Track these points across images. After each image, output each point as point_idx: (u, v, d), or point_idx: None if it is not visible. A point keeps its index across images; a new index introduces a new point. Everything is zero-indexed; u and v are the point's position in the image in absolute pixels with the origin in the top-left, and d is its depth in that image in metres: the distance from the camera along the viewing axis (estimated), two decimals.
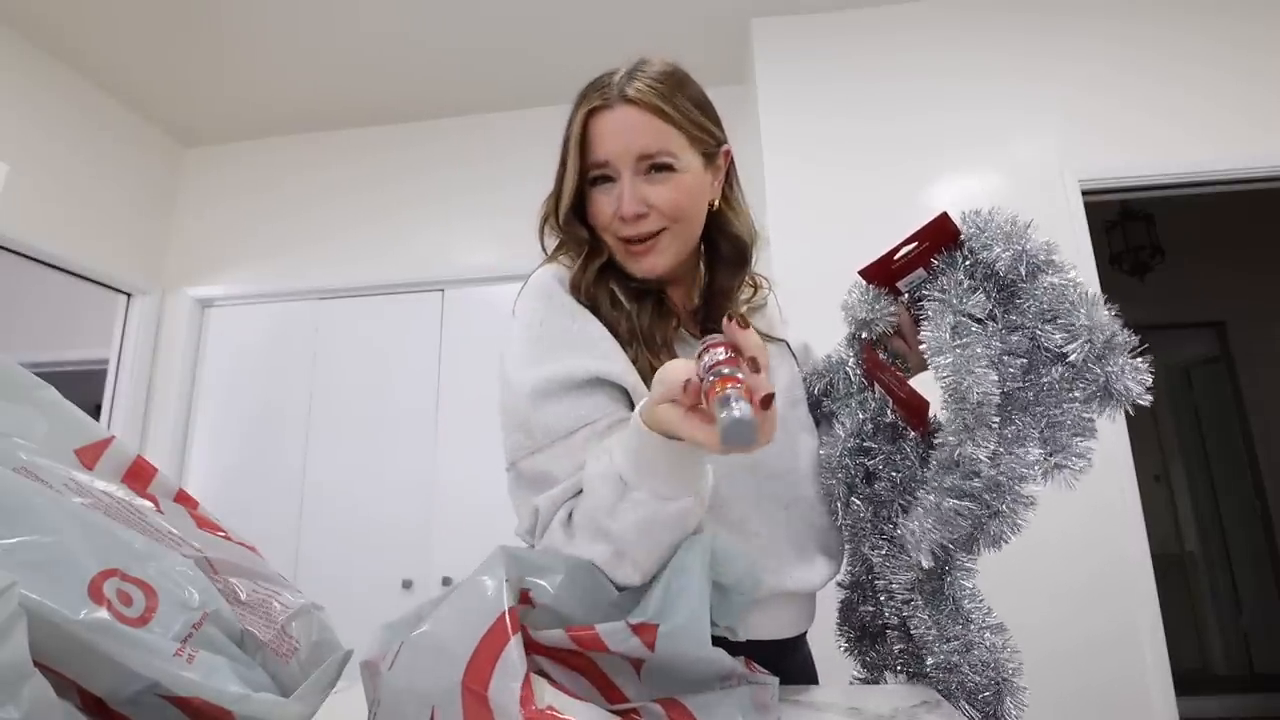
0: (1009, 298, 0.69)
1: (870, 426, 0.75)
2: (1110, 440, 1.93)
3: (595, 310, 0.70)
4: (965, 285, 0.69)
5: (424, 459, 2.53)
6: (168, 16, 2.30)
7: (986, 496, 0.64)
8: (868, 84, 2.28)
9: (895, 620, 0.72)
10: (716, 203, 0.77)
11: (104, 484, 0.41)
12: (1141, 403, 0.64)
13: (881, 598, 0.73)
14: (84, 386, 2.93)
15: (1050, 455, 0.66)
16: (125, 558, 0.36)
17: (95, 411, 2.69)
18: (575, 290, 0.71)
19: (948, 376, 0.64)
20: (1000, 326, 0.68)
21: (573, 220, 0.74)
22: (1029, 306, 0.67)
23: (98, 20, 2.30)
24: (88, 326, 3.24)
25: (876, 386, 0.76)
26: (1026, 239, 0.68)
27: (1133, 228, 3.55)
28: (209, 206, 2.94)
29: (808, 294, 2.07)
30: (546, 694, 0.43)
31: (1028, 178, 2.13)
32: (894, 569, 0.71)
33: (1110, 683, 1.79)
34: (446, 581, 2.35)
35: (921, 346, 0.68)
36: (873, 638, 0.79)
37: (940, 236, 0.72)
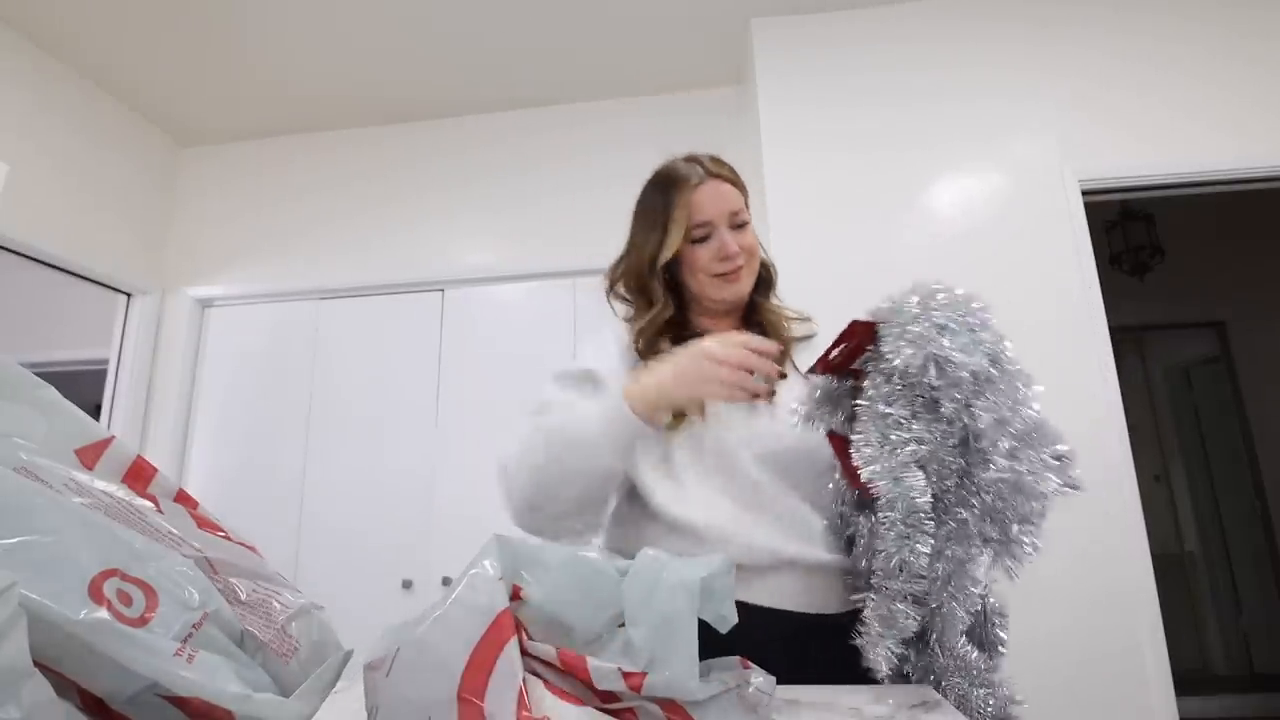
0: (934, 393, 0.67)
1: (845, 504, 0.79)
2: (1110, 440, 1.93)
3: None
4: (885, 390, 0.68)
5: (424, 459, 2.53)
6: (167, 16, 2.30)
7: (934, 596, 0.64)
8: (868, 84, 2.28)
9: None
10: None
11: (104, 484, 0.41)
12: (1069, 492, 0.64)
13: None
14: (84, 386, 2.94)
15: (997, 547, 0.66)
16: (125, 558, 0.36)
17: (95, 411, 2.69)
18: (636, 342, 0.93)
19: (878, 484, 0.64)
20: (932, 418, 0.67)
21: (658, 275, 0.94)
22: (948, 406, 0.65)
23: (97, 20, 2.31)
24: (88, 326, 3.23)
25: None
26: (930, 342, 0.65)
27: (1133, 228, 3.55)
28: (209, 206, 2.94)
29: (807, 293, 2.07)
30: (544, 702, 0.43)
31: (1028, 177, 2.13)
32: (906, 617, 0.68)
33: (1110, 682, 1.79)
34: (446, 581, 2.35)
35: (851, 455, 0.69)
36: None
37: (856, 339, 0.72)
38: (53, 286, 2.75)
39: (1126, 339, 3.56)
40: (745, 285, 0.95)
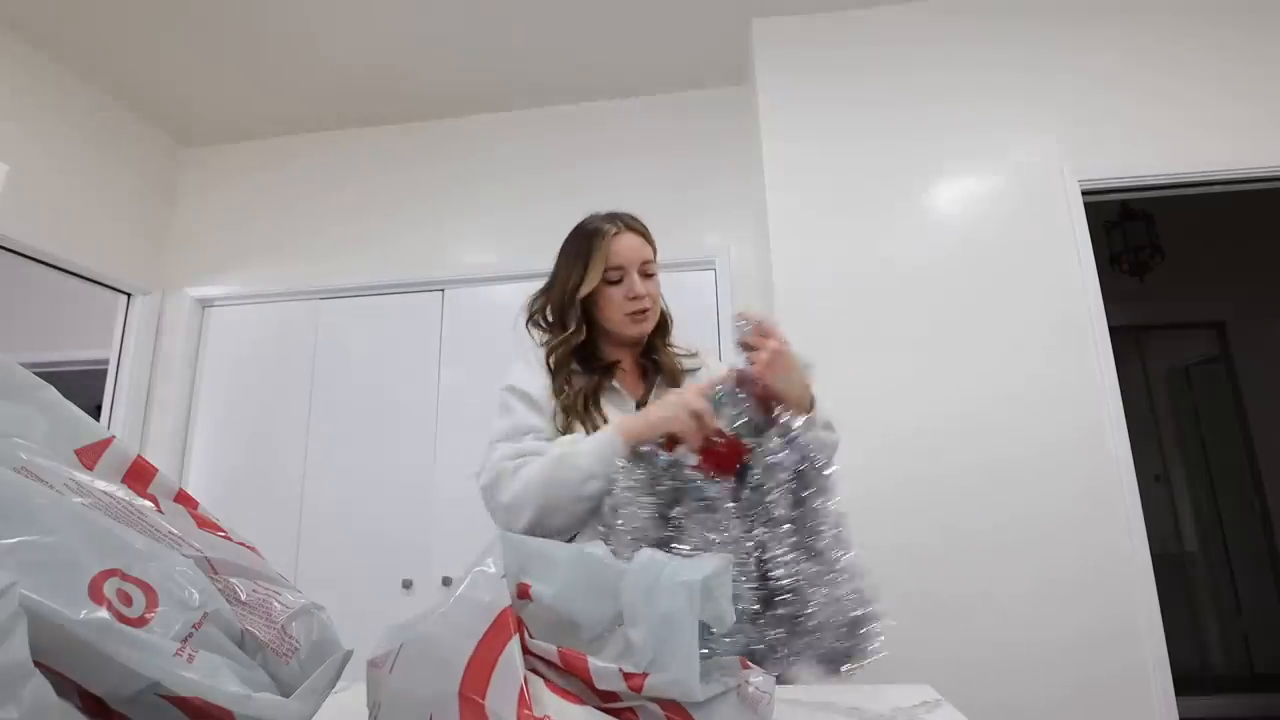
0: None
1: (742, 422, 0.91)
2: (1110, 440, 1.94)
3: (555, 373, 1.11)
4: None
5: (424, 459, 2.53)
6: (168, 17, 2.30)
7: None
8: (868, 84, 2.28)
9: (776, 586, 0.79)
10: None
11: (104, 484, 0.41)
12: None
13: (771, 569, 0.80)
14: (84, 386, 2.94)
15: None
16: (125, 558, 0.36)
17: (95, 411, 2.69)
18: (548, 359, 1.12)
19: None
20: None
21: (576, 306, 1.12)
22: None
23: (98, 21, 2.30)
24: (88, 326, 3.23)
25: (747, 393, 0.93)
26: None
27: (1133, 228, 3.54)
28: (209, 206, 2.94)
29: (807, 292, 2.07)
30: (545, 701, 0.43)
31: (1028, 177, 2.13)
32: (779, 538, 0.81)
33: (1110, 682, 1.79)
34: (446, 581, 2.35)
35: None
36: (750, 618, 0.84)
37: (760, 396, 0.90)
38: (53, 286, 2.76)
39: (1126, 339, 3.56)
40: (649, 326, 1.15)
